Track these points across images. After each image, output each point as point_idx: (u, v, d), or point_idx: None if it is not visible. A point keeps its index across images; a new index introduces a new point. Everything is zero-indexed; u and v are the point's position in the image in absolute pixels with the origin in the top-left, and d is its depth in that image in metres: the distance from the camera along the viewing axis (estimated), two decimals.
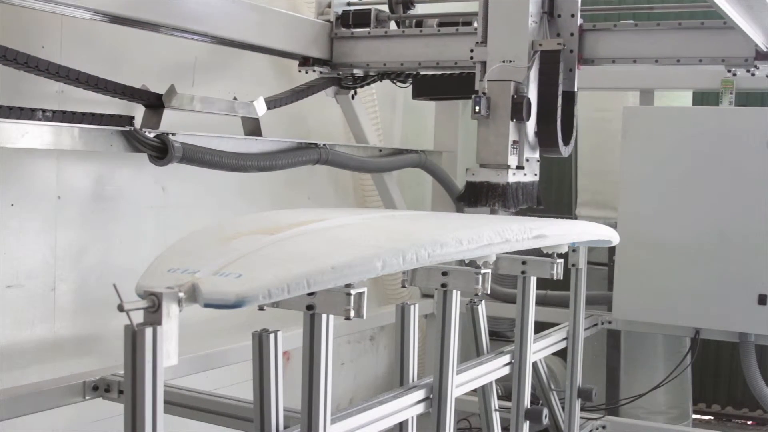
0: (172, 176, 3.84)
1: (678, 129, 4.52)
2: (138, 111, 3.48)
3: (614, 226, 3.95)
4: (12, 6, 3.03)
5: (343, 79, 4.61)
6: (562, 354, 4.21)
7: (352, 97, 4.79)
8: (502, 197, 3.40)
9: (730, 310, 4.37)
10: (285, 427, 2.14)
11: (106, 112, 3.29)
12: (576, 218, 5.62)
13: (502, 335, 5.67)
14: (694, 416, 5.90)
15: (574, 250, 3.79)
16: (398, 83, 4.62)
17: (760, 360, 4.59)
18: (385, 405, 2.53)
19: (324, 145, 4.07)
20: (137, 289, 1.78)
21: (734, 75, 3.93)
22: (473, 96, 3.37)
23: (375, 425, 2.47)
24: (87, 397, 2.97)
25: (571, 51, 3.67)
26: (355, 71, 4.54)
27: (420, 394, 2.70)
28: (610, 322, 4.78)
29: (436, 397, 2.75)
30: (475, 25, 3.77)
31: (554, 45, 3.53)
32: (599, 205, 5.67)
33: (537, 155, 3.62)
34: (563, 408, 3.95)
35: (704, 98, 5.94)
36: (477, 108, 3.33)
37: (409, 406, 2.65)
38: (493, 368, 3.24)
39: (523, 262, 3.35)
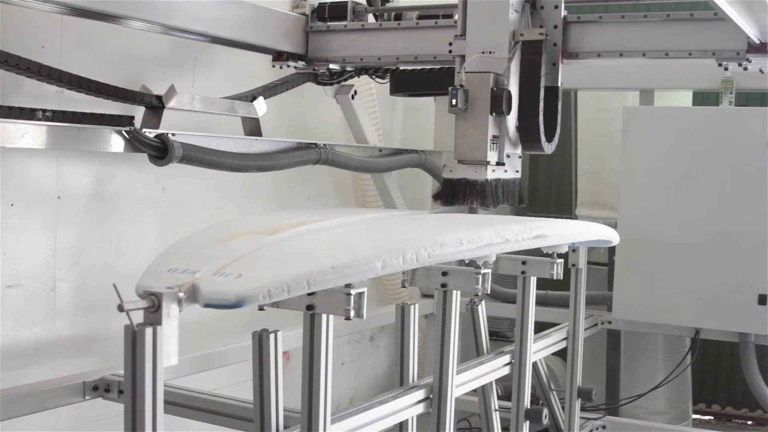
0: (172, 176, 3.84)
1: (678, 129, 4.52)
2: (138, 111, 3.48)
3: (614, 226, 3.95)
4: (12, 6, 3.03)
5: (320, 74, 4.43)
6: (562, 354, 4.21)
7: (352, 97, 4.79)
8: (481, 195, 3.24)
9: (730, 310, 4.37)
10: (285, 427, 2.14)
11: (106, 112, 3.29)
12: (576, 218, 5.62)
13: (502, 335, 5.67)
14: (694, 416, 5.90)
15: (574, 250, 3.79)
16: (377, 79, 4.47)
17: (760, 360, 4.59)
18: (385, 405, 2.53)
19: (324, 145, 4.07)
20: (137, 289, 1.78)
21: (726, 69, 3.75)
22: (450, 88, 3.22)
23: (375, 425, 2.47)
24: (87, 397, 2.97)
25: (555, 44, 3.51)
26: (331, 66, 4.36)
27: (420, 394, 2.70)
28: (610, 322, 4.77)
29: (436, 397, 2.75)
30: (456, 17, 3.58)
31: (536, 35, 3.36)
32: (599, 205, 5.67)
33: (519, 151, 3.45)
34: (563, 408, 3.95)
35: (704, 98, 5.94)
36: (454, 101, 3.18)
37: (409, 406, 2.65)
38: (493, 368, 3.24)
39: (523, 262, 3.35)
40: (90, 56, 3.54)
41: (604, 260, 5.22)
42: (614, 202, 4.95)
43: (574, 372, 3.92)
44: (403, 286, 5.08)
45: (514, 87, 3.30)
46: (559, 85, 3.50)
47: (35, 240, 3.35)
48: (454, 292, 2.80)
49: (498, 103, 3.19)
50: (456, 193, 3.28)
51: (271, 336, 2.10)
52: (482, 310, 3.37)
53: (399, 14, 4.28)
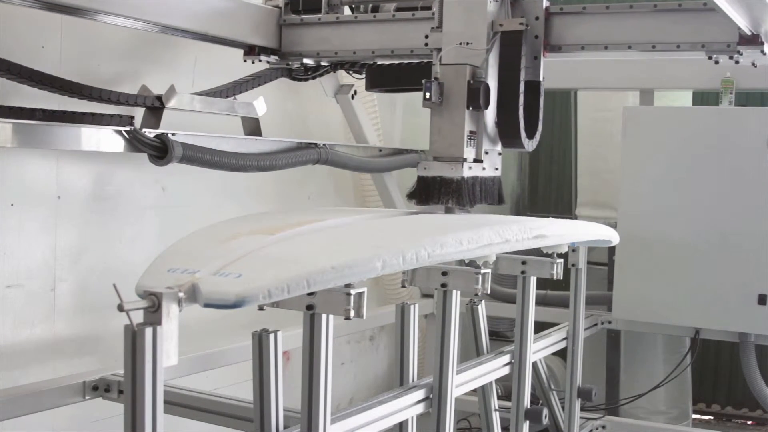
0: (172, 176, 3.84)
1: (678, 129, 4.52)
2: (138, 111, 3.48)
3: (614, 226, 3.95)
4: (12, 6, 3.03)
5: (294, 69, 4.22)
6: (562, 354, 4.21)
7: (352, 97, 4.78)
8: (456, 194, 3.06)
9: (730, 310, 4.37)
10: (285, 427, 2.15)
11: (106, 112, 3.29)
12: (576, 218, 5.62)
13: (502, 335, 5.67)
14: (694, 416, 5.90)
15: (574, 250, 3.79)
16: (354, 74, 4.25)
17: (760, 360, 4.59)
18: (385, 405, 2.53)
19: (324, 145, 4.07)
20: (137, 289, 1.78)
21: (716, 63, 3.50)
22: (423, 81, 3.04)
23: (375, 425, 2.47)
24: (87, 397, 2.97)
25: (536, 36, 3.34)
26: (305, 61, 4.15)
27: (420, 394, 2.71)
28: (610, 322, 4.78)
29: (436, 397, 2.75)
30: (434, 9, 3.38)
31: (516, 25, 3.20)
32: (599, 205, 5.67)
33: (499, 148, 3.27)
34: (563, 408, 3.95)
35: (704, 98, 5.94)
36: (428, 94, 3.01)
37: (409, 406, 2.65)
38: (493, 368, 3.24)
39: (523, 262, 3.35)
40: (90, 56, 3.54)
41: (604, 260, 5.22)
42: (614, 202, 4.94)
43: (574, 372, 3.91)
44: (403, 286, 5.07)
45: (492, 80, 3.14)
46: (541, 79, 3.34)
47: (35, 240, 3.35)
48: (454, 292, 2.80)
49: (475, 96, 3.04)
50: (431, 192, 3.10)
51: (271, 336, 2.10)
52: (482, 310, 3.37)
53: (376, 6, 4.05)
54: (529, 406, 3.37)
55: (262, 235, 2.16)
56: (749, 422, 6.42)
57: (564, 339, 3.93)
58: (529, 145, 3.26)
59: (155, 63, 3.88)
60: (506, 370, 3.35)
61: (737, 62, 3.43)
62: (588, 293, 4.08)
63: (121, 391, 2.95)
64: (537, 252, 3.15)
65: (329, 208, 4.72)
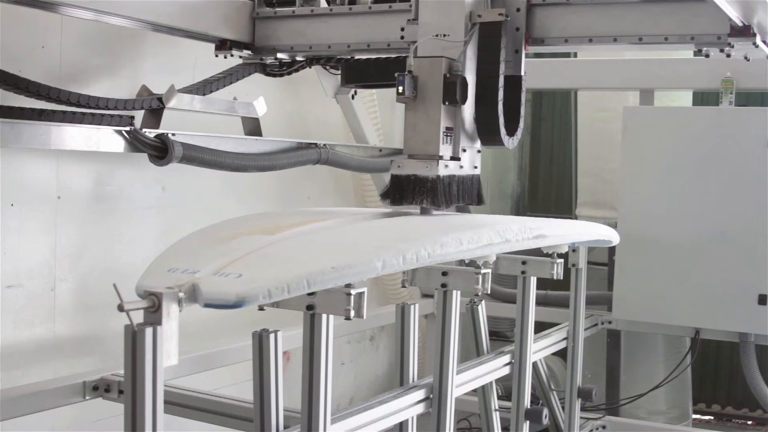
0: (172, 176, 3.84)
1: (678, 129, 4.52)
2: (138, 111, 3.48)
3: (614, 226, 3.96)
4: (12, 6, 3.03)
5: (268, 65, 4.03)
6: (562, 354, 4.21)
7: (352, 97, 4.78)
8: (431, 193, 2.87)
9: (730, 310, 4.37)
10: (285, 427, 2.15)
11: (107, 112, 3.29)
12: (576, 218, 5.62)
13: (502, 335, 5.67)
14: (694, 416, 5.90)
15: (574, 250, 3.79)
16: (330, 69, 4.04)
17: (760, 360, 4.59)
18: (385, 405, 2.53)
19: (324, 145, 4.07)
20: (137, 289, 1.78)
21: (707, 56, 3.34)
22: (396, 75, 2.86)
23: (375, 425, 2.47)
24: (87, 397, 2.97)
25: (518, 29, 3.17)
26: (279, 56, 3.94)
27: (420, 394, 2.71)
28: (610, 322, 4.78)
29: (436, 397, 2.75)
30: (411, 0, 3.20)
31: (495, 16, 3.02)
32: (599, 205, 5.67)
33: (478, 145, 3.08)
34: (563, 408, 3.95)
35: (704, 98, 5.95)
36: (401, 88, 2.83)
37: (409, 406, 2.65)
38: (493, 368, 3.24)
39: (523, 262, 3.35)
40: (90, 55, 3.54)
41: (604, 260, 5.22)
42: (614, 202, 4.95)
43: (574, 372, 3.92)
44: (403, 286, 5.08)
45: (470, 74, 2.97)
46: (523, 74, 3.17)
47: (35, 240, 3.35)
48: (454, 292, 2.80)
49: (451, 91, 2.85)
50: (404, 192, 2.91)
51: (271, 336, 2.10)
52: (482, 310, 3.37)
53: None
54: (529, 406, 3.37)
55: (262, 235, 2.16)
56: (749, 422, 6.42)
57: (564, 339, 3.93)
58: (510, 143, 3.08)
59: (155, 63, 3.88)
60: (506, 370, 3.35)
61: (729, 56, 3.26)
62: (588, 293, 4.08)
63: (121, 391, 2.94)
64: (537, 252, 3.15)
65: (329, 208, 4.72)
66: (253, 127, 3.94)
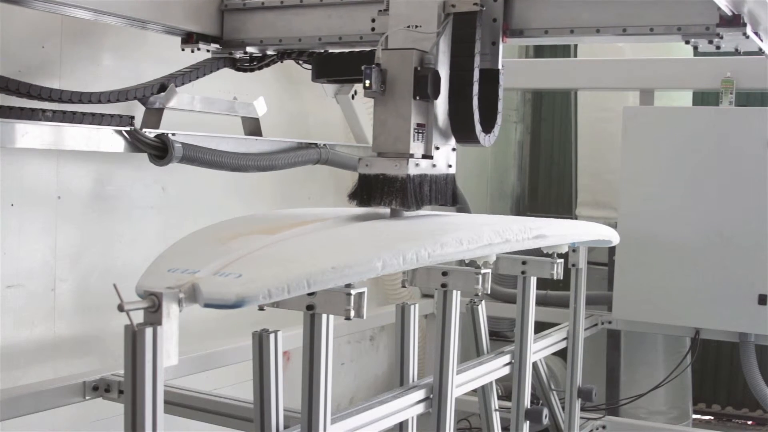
0: (172, 176, 3.84)
1: (678, 129, 4.52)
2: (138, 111, 3.48)
3: (614, 226, 3.96)
4: (12, 6, 3.03)
5: (239, 59, 3.83)
6: (562, 354, 4.21)
7: (352, 97, 4.78)
8: (401, 193, 2.69)
9: (730, 310, 4.37)
10: (285, 427, 2.15)
11: (107, 112, 3.29)
12: (576, 218, 5.62)
13: (502, 335, 5.67)
14: (694, 416, 5.91)
15: (574, 250, 3.79)
16: (303, 64, 3.82)
17: (760, 360, 4.59)
18: (385, 405, 2.53)
19: (324, 145, 4.07)
20: (137, 289, 1.78)
21: (695, 48, 3.17)
22: (363, 68, 2.71)
23: (375, 425, 2.47)
24: (87, 397, 2.97)
25: (495, 20, 3.01)
26: (249, 49, 3.75)
27: (420, 394, 2.71)
28: (610, 322, 4.78)
29: (436, 397, 2.75)
30: None
31: (470, 6, 2.87)
32: (599, 205, 5.67)
33: (453, 143, 2.93)
34: (563, 408, 3.95)
35: (704, 98, 5.95)
36: (368, 82, 2.68)
37: (409, 406, 2.65)
38: (493, 368, 3.24)
39: (523, 262, 3.35)
40: (90, 55, 3.54)
41: (604, 260, 5.22)
42: (614, 202, 4.95)
43: (574, 372, 3.92)
44: (403, 286, 5.08)
45: (444, 68, 2.82)
46: (500, 67, 3.01)
47: (35, 240, 3.35)
48: (454, 292, 2.80)
49: (422, 85, 2.69)
50: (372, 192, 2.74)
51: (271, 336, 2.10)
52: (482, 310, 3.37)
53: None
54: (529, 406, 3.37)
55: (262, 235, 2.16)
56: (749, 422, 6.43)
57: (564, 339, 3.93)
58: (486, 140, 2.91)
59: (155, 62, 3.87)
60: (506, 370, 3.35)
61: (718, 47, 3.08)
62: (588, 293, 4.08)
63: (121, 391, 2.94)
64: (537, 252, 3.15)
65: (329, 208, 4.72)
66: (253, 127, 3.94)
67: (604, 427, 4.58)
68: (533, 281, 3.38)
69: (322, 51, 3.67)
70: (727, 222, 4.38)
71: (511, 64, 5.98)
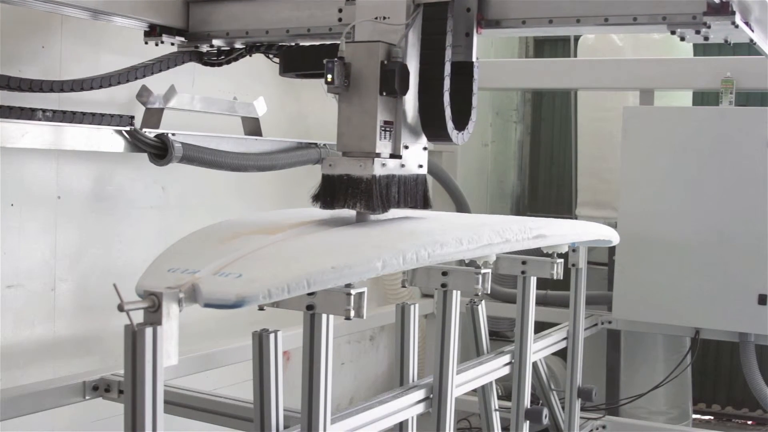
0: (172, 176, 3.84)
1: (678, 129, 4.52)
2: (138, 111, 3.48)
3: (614, 226, 3.96)
4: (12, 6, 3.03)
5: (205, 53, 3.64)
6: (562, 354, 4.21)
7: None
8: (366, 195, 2.52)
9: (730, 310, 4.37)
10: (285, 427, 2.15)
11: (107, 112, 3.29)
12: (576, 218, 5.62)
13: (502, 335, 5.68)
14: (694, 416, 5.91)
15: (574, 250, 3.79)
16: (273, 58, 3.67)
17: (760, 360, 4.59)
18: (385, 405, 2.53)
19: (324, 145, 4.07)
20: (137, 289, 1.78)
21: (682, 39, 2.97)
22: (325, 62, 2.56)
23: (375, 425, 2.47)
24: (87, 397, 2.97)
25: (468, 10, 2.84)
26: (215, 42, 3.56)
27: (420, 394, 2.71)
28: (610, 322, 4.78)
29: (436, 397, 2.75)
30: None
31: None
32: (599, 205, 5.67)
33: (424, 142, 2.75)
34: (563, 408, 3.95)
35: (704, 98, 5.95)
36: (329, 77, 2.53)
37: (409, 406, 2.65)
38: (493, 368, 3.24)
39: (523, 262, 3.35)
40: (91, 55, 3.54)
41: (604, 260, 5.22)
42: (614, 202, 4.95)
43: (574, 372, 3.92)
44: (403, 286, 5.08)
45: (413, 61, 2.66)
46: (474, 60, 2.84)
47: (35, 240, 3.35)
48: (454, 292, 2.80)
49: (389, 79, 2.53)
50: (336, 193, 2.57)
51: (271, 336, 2.10)
52: (482, 310, 3.37)
53: None
54: (529, 406, 3.37)
55: (262, 235, 2.16)
56: (749, 422, 6.43)
57: (564, 339, 3.93)
58: (459, 138, 2.74)
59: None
60: (506, 370, 3.35)
61: (706, 38, 2.89)
62: (588, 293, 4.08)
63: (121, 391, 2.94)
64: (537, 252, 3.15)
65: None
66: (253, 127, 3.94)
67: (604, 427, 4.58)
68: (533, 281, 3.38)
69: (293, 44, 3.46)
70: (727, 222, 4.38)
71: (511, 64, 6.03)
